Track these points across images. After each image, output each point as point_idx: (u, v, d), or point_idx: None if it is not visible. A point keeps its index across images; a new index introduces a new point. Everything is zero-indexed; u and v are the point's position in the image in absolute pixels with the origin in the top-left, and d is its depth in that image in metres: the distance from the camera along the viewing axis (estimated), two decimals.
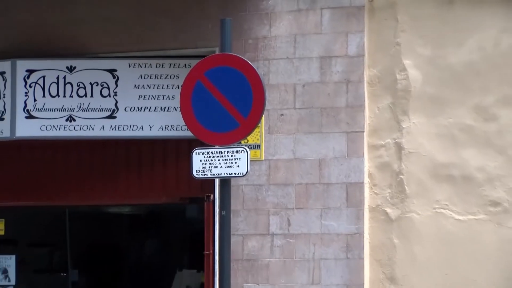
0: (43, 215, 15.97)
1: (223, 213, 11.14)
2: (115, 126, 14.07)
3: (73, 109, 14.07)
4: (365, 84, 13.19)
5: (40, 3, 14.35)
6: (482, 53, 12.68)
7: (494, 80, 12.30)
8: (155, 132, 13.84)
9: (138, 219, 16.31)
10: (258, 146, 13.06)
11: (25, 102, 14.07)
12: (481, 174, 12.60)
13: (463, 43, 12.90)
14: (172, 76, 13.83)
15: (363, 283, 12.86)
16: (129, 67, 14.12)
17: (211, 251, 13.15)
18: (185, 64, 13.39)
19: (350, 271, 12.88)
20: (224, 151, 11.02)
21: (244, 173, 10.93)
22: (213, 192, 12.65)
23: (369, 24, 13.27)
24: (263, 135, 13.16)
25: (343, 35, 13.29)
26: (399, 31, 13.20)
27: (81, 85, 14.15)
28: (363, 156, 13.11)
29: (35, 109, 14.11)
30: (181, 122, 11.59)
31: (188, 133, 11.44)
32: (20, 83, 14.13)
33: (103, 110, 14.09)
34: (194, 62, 11.78)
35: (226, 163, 11.08)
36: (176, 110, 12.99)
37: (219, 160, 11.10)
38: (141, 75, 14.02)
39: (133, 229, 16.86)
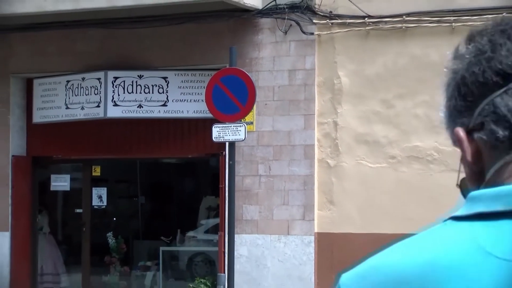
0: (123, 163, 16.11)
1: (230, 163, 12.14)
2: (167, 110, 14.34)
3: (141, 101, 14.32)
4: (315, 86, 13.35)
5: (123, 37, 14.31)
6: (385, 67, 12.79)
7: (393, 84, 12.49)
8: (191, 114, 14.16)
9: (180, 166, 16.47)
10: (252, 123, 13.30)
11: (112, 96, 14.30)
12: (385, 140, 12.85)
13: (374, 61, 12.97)
14: (200, 81, 14.02)
15: (314, 204, 13.18)
16: (175, 75, 14.30)
17: (223, 185, 13.41)
18: (208, 74, 13.39)
19: (306, 197, 13.28)
20: (231, 125, 11.85)
21: (243, 139, 11.96)
22: (224, 150, 12.89)
23: (318, 50, 13.42)
24: (255, 116, 13.40)
25: (302, 57, 13.50)
26: (336, 54, 13.31)
27: (146, 86, 14.37)
28: (314, 129, 13.36)
29: (118, 100, 14.33)
30: (206, 108, 12.44)
31: (209, 115, 12.39)
32: (109, 85, 14.36)
33: (159, 101, 14.32)
34: (213, 72, 12.72)
35: (232, 132, 11.87)
36: (203, 101, 12.84)
37: (228, 131, 11.86)
38: (182, 80, 14.26)
39: (177, 172, 16.87)
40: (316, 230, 13.02)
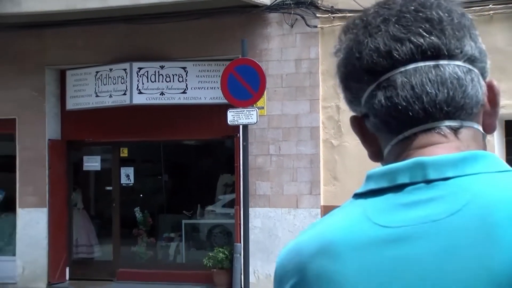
0: (148, 145, 16.25)
1: (244, 144, 12.24)
2: (186, 97, 14.32)
3: (163, 89, 14.32)
4: (319, 74, 13.39)
5: (145, 32, 14.31)
6: None
7: None
8: (208, 100, 14.18)
9: (199, 147, 16.34)
10: (262, 107, 13.16)
11: (137, 85, 14.30)
12: None
13: None
14: (216, 70, 13.99)
15: (320, 180, 13.20)
16: (193, 66, 14.29)
17: (237, 164, 13.44)
18: (222, 64, 13.35)
19: (312, 174, 13.34)
20: (244, 110, 11.95)
21: (255, 122, 12.04)
22: (238, 132, 12.87)
23: (321, 41, 13.43)
24: (265, 101, 13.38)
25: (307, 48, 13.52)
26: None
27: (168, 75, 14.33)
28: (319, 112, 13.37)
29: (142, 88, 14.34)
30: (221, 95, 12.53)
31: (225, 101, 12.43)
32: (134, 75, 14.35)
33: (179, 89, 14.31)
34: (227, 62, 12.80)
35: (245, 116, 11.97)
36: (218, 88, 12.95)
37: (241, 115, 11.98)
38: (199, 69, 14.26)
39: (196, 152, 16.69)
40: (322, 204, 13.11)
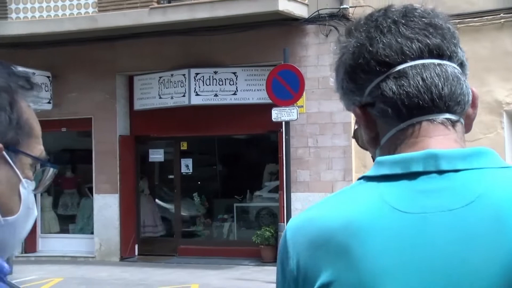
0: (204, 139, 16.04)
1: (286, 137, 12.22)
2: (236, 98, 14.36)
3: (217, 91, 14.34)
4: None
5: (201, 42, 14.28)
6: None
7: None
8: (255, 100, 14.14)
9: (247, 140, 16.07)
10: (302, 106, 13.12)
11: (194, 87, 14.34)
12: None
13: None
14: (262, 75, 13.89)
15: (352, 168, 13.23)
16: (242, 71, 14.32)
17: (281, 155, 13.35)
18: (267, 69, 13.29)
19: (345, 163, 13.37)
20: (286, 109, 11.91)
21: (295, 119, 12.00)
22: (281, 128, 12.60)
23: None
24: (304, 101, 13.32)
25: None
26: None
27: (220, 80, 14.37)
28: None
29: (199, 91, 14.38)
30: (266, 96, 12.54)
31: (269, 101, 12.44)
32: (192, 79, 14.37)
33: (231, 91, 14.35)
34: (271, 68, 12.80)
35: (287, 114, 11.95)
36: (264, 90, 12.80)
37: (284, 112, 11.95)
38: (247, 74, 14.29)
39: (245, 145, 16.41)
40: None
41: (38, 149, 1.21)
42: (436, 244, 1.14)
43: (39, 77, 15.26)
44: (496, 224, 1.12)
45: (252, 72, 14.37)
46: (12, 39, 14.97)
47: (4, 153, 1.13)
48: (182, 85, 14.61)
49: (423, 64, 1.25)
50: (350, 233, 1.17)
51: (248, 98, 14.35)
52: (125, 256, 15.48)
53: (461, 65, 1.30)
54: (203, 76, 14.48)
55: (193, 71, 14.46)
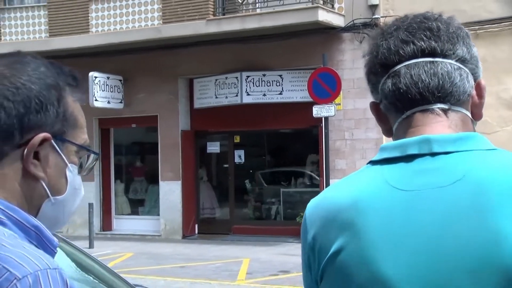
0: (254, 133, 15.73)
1: (325, 131, 12.13)
2: (282, 97, 14.32)
3: (265, 91, 14.33)
4: None
5: (251, 49, 14.16)
6: None
7: None
8: (298, 99, 14.01)
9: (292, 134, 15.52)
10: (339, 104, 13.09)
11: (246, 88, 14.38)
12: None
13: None
14: (304, 77, 13.72)
15: None
16: (287, 73, 14.23)
17: (321, 146, 13.14)
18: (309, 72, 13.12)
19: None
20: (325, 106, 11.88)
21: (333, 115, 12.03)
22: (321, 123, 12.51)
23: None
24: (341, 99, 13.28)
25: None
26: None
27: (268, 81, 14.36)
28: None
29: (250, 91, 14.40)
30: (308, 95, 12.44)
31: (311, 99, 12.33)
32: (243, 81, 14.40)
33: (277, 91, 14.31)
34: (312, 71, 12.66)
35: (326, 110, 11.92)
36: (306, 90, 12.74)
37: (323, 109, 11.91)
38: (291, 76, 14.20)
39: (290, 138, 15.96)
40: None
41: (82, 138, 1.19)
42: (427, 217, 1.14)
43: (113, 80, 15.49)
44: (480, 199, 1.12)
45: (295, 74, 14.31)
46: (91, 49, 15.22)
47: (53, 141, 1.12)
48: (235, 86, 14.62)
49: (415, 63, 1.25)
50: (355, 209, 1.18)
51: (292, 97, 14.28)
52: (187, 235, 15.52)
53: (461, 60, 1.27)
54: (253, 79, 14.48)
55: (244, 74, 14.47)
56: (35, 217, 1.12)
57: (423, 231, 1.13)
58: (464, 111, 1.27)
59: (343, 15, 13.65)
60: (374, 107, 1.33)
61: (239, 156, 15.82)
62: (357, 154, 13.60)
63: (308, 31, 13.48)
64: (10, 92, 1.07)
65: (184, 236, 15.49)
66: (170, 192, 15.61)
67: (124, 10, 15.20)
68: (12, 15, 16.50)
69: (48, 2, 16.07)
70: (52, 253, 1.10)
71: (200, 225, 15.94)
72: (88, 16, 15.54)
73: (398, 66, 1.26)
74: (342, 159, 13.69)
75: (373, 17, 13.35)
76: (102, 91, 15.16)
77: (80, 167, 1.20)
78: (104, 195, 16.64)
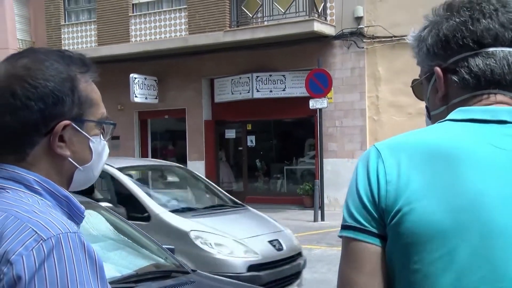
0: (264, 121, 15.42)
1: (320, 120, 12.07)
2: (285, 93, 14.00)
3: (271, 88, 14.08)
4: (366, 76, 13.04)
5: (259, 54, 13.96)
6: (404, 64, 11.42)
7: (410, 73, 11.39)
8: (298, 94, 13.75)
9: (294, 122, 15.18)
10: (331, 98, 12.91)
11: (256, 86, 14.17)
12: (405, 104, 11.97)
13: (397, 61, 12.17)
14: (302, 76, 13.46)
15: (366, 141, 12.94)
16: (289, 74, 13.94)
17: (316, 132, 12.86)
18: (306, 72, 12.88)
19: (362, 138, 13.11)
20: (319, 99, 11.83)
21: (326, 106, 11.99)
22: (317, 113, 12.28)
23: (366, 56, 12.96)
24: (333, 94, 13.07)
25: (357, 61, 13.12)
26: (376, 59, 12.88)
27: (274, 80, 14.06)
28: (365, 100, 13.09)
29: (259, 88, 14.18)
30: (305, 91, 12.31)
31: (308, 94, 12.19)
32: (254, 80, 14.20)
33: (281, 88, 14.10)
34: (308, 71, 12.50)
35: (320, 103, 11.81)
36: (304, 87, 12.55)
37: (318, 102, 11.75)
38: (292, 76, 13.93)
39: (293, 126, 15.36)
40: None
41: (99, 113, 1.14)
42: None
43: (149, 80, 15.41)
44: None
45: (296, 74, 14.14)
46: (131, 55, 15.23)
47: (73, 124, 1.08)
48: (247, 85, 14.50)
49: (510, 51, 1.09)
50: (456, 155, 1.01)
51: (293, 93, 14.10)
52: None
53: None
54: (261, 78, 14.35)
55: (255, 74, 14.36)
56: (70, 184, 1.12)
57: None
58: None
59: (334, 26, 13.50)
60: (442, 72, 1.12)
61: (251, 140, 15.72)
62: (345, 138, 13.48)
63: (306, 39, 13.34)
64: (30, 92, 1.04)
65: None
66: (196, 170, 14.70)
67: (157, 24, 15.18)
68: (70, 29, 16.63)
69: (97, 18, 16.10)
70: (80, 218, 1.09)
71: None
72: (129, 29, 15.55)
73: (496, 49, 1.09)
74: (334, 142, 13.58)
75: (358, 27, 13.22)
76: (141, 89, 15.13)
77: (103, 132, 1.16)
78: None
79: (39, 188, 1.04)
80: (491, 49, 1.09)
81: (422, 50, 1.15)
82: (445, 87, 1.13)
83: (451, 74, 1.12)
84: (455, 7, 1.13)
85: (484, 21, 1.09)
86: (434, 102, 1.16)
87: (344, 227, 1.07)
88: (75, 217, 1.08)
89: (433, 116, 1.16)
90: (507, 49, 1.09)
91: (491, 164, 1.01)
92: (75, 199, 1.10)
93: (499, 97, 1.09)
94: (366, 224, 1.04)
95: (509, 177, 1.00)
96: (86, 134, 1.11)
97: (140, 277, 2.79)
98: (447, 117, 1.09)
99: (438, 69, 1.13)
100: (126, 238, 3.30)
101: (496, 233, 0.97)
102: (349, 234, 1.05)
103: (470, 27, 1.09)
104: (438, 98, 1.14)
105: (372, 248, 1.03)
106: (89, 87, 1.12)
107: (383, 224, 1.03)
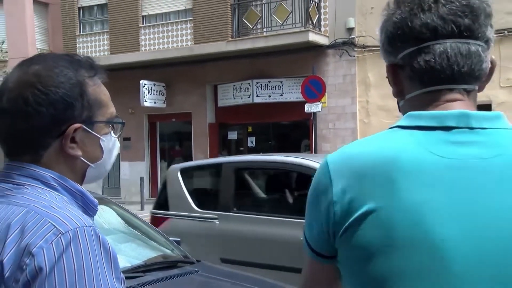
0: (263, 124, 15.15)
1: (314, 122, 12.00)
2: (283, 98, 13.86)
3: (270, 93, 13.93)
4: (357, 82, 12.91)
5: (259, 62, 14.05)
6: None
7: None
8: (295, 99, 13.63)
9: (291, 125, 14.88)
10: (324, 102, 12.77)
11: (256, 92, 14.04)
12: (393, 107, 11.30)
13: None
14: (298, 82, 13.41)
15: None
16: (286, 80, 13.85)
17: (311, 134, 12.78)
18: (302, 79, 12.79)
19: (353, 139, 12.68)
20: (314, 104, 11.67)
21: (320, 110, 11.84)
22: (311, 116, 12.22)
23: (357, 64, 12.86)
24: (326, 98, 12.95)
25: (349, 68, 13.02)
26: (367, 66, 12.66)
27: (272, 86, 13.93)
28: (356, 104, 12.95)
29: (259, 93, 14.01)
30: (301, 96, 12.17)
31: (303, 99, 12.06)
32: (254, 86, 13.99)
33: (279, 93, 13.87)
34: (304, 78, 12.29)
35: (315, 107, 11.67)
36: (299, 92, 12.59)
37: (312, 106, 11.62)
38: (290, 82, 13.84)
39: (290, 128, 15.15)
40: None
41: (108, 112, 1.12)
42: (472, 185, 0.91)
43: (158, 86, 15.38)
44: None
45: (292, 81, 14.10)
46: (142, 63, 15.19)
47: (83, 126, 1.07)
48: (248, 90, 14.45)
49: (450, 44, 0.99)
50: (395, 167, 0.93)
51: (290, 98, 14.03)
52: None
53: (487, 41, 1.02)
54: (261, 84, 14.26)
55: (255, 81, 14.27)
56: (82, 181, 1.12)
57: (473, 197, 0.91)
58: (476, 87, 1.04)
59: (327, 36, 13.44)
60: (392, 69, 1.06)
61: (251, 141, 15.64)
62: (338, 139, 13.41)
63: (301, 48, 13.23)
64: (41, 99, 1.03)
65: None
66: None
67: (165, 34, 15.15)
68: (85, 39, 16.60)
69: (110, 29, 16.08)
70: (94, 211, 1.10)
71: None
72: (139, 39, 15.52)
73: (433, 43, 1.00)
74: (327, 143, 13.52)
75: (350, 37, 13.15)
76: (150, 94, 15.13)
77: (114, 129, 1.15)
78: (152, 171, 16.58)
79: (55, 184, 1.05)
80: (431, 43, 1.00)
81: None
82: (399, 83, 1.06)
83: (401, 70, 1.05)
84: (399, 2, 1.04)
85: (422, 16, 1.00)
86: (395, 97, 1.11)
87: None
88: (89, 210, 1.09)
89: (400, 107, 1.09)
90: (448, 42, 0.99)
91: (431, 174, 0.93)
92: (89, 193, 1.10)
93: (445, 94, 1.01)
94: (319, 251, 1.03)
95: (449, 187, 0.92)
96: (96, 134, 1.10)
97: (148, 267, 2.84)
98: (397, 123, 1.02)
99: (388, 66, 1.08)
100: (136, 231, 3.32)
101: (438, 244, 0.90)
102: (307, 253, 1.06)
103: (409, 23, 1.01)
104: (395, 93, 1.09)
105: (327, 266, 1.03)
106: (97, 90, 1.11)
107: (333, 243, 1.00)
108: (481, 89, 1.05)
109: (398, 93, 1.07)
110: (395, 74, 1.06)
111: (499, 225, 0.89)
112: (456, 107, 0.99)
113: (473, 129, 0.96)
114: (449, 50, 0.99)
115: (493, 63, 1.04)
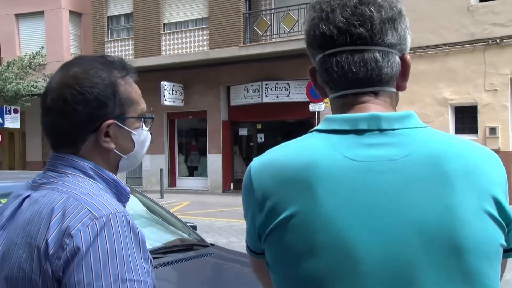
0: (271, 122, 14.86)
1: (318, 121, 11.48)
2: (289, 98, 13.86)
3: (278, 94, 13.94)
4: None
5: (268, 65, 13.86)
6: None
7: None
8: (300, 99, 13.52)
9: (296, 123, 14.66)
10: (327, 102, 12.49)
11: (265, 92, 13.91)
12: None
13: None
14: (303, 84, 13.29)
15: None
16: (292, 82, 13.76)
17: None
18: (307, 81, 12.59)
19: None
20: (317, 103, 11.64)
21: (323, 109, 11.73)
22: (315, 115, 12.15)
23: None
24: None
25: None
26: None
27: (280, 87, 13.97)
28: None
29: (268, 94, 14.00)
30: (306, 96, 12.18)
31: (307, 99, 12.06)
32: (263, 87, 13.90)
33: (286, 94, 13.84)
34: (308, 80, 12.12)
35: (318, 107, 11.68)
36: (304, 93, 12.58)
37: (316, 106, 11.62)
38: (296, 84, 13.65)
39: (295, 125, 14.84)
40: None
41: (139, 109, 1.12)
42: (381, 187, 0.87)
43: (176, 87, 15.41)
44: (434, 170, 0.87)
45: (298, 83, 13.99)
46: (162, 66, 15.19)
47: (116, 122, 1.08)
48: (257, 91, 14.40)
49: (345, 52, 0.94)
50: (311, 173, 0.88)
51: (296, 98, 13.96)
52: (225, 189, 15.36)
53: (390, 45, 0.94)
54: (270, 86, 14.21)
55: (264, 82, 14.22)
56: (116, 170, 1.13)
57: (380, 200, 0.86)
58: (391, 88, 0.97)
59: None
60: (311, 72, 1.02)
61: (260, 137, 15.53)
62: None
63: (307, 53, 13.11)
64: (78, 98, 1.05)
65: (223, 191, 15.29)
66: (214, 161, 15.51)
67: (183, 40, 15.18)
68: (112, 44, 16.71)
69: (134, 35, 16.13)
70: (126, 198, 1.11)
71: (234, 183, 15.62)
72: (160, 44, 15.56)
73: (330, 52, 0.95)
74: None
75: None
76: (169, 94, 15.18)
77: (145, 123, 1.14)
78: (171, 163, 16.60)
79: (92, 174, 1.07)
80: (329, 52, 0.95)
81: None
82: (319, 87, 1.01)
83: (317, 75, 1.00)
84: (310, 9, 0.99)
85: (322, 25, 0.95)
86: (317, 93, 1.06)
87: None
88: (122, 197, 1.10)
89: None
90: (343, 49, 0.93)
91: (343, 179, 0.88)
92: (122, 182, 1.12)
93: (353, 98, 0.95)
94: (252, 248, 1.01)
95: (359, 190, 0.87)
96: (128, 129, 1.11)
97: (167, 249, 2.87)
98: (316, 127, 0.97)
99: (309, 69, 1.02)
100: (156, 217, 3.34)
101: (351, 248, 0.85)
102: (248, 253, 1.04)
103: (312, 32, 0.96)
104: (321, 95, 1.04)
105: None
106: (129, 88, 1.11)
107: (260, 244, 0.96)
108: (400, 88, 0.98)
109: (322, 94, 1.02)
110: (313, 76, 1.02)
111: (404, 224, 0.85)
112: (368, 109, 0.94)
113: (383, 131, 0.91)
114: (343, 59, 0.94)
115: (407, 62, 0.97)
